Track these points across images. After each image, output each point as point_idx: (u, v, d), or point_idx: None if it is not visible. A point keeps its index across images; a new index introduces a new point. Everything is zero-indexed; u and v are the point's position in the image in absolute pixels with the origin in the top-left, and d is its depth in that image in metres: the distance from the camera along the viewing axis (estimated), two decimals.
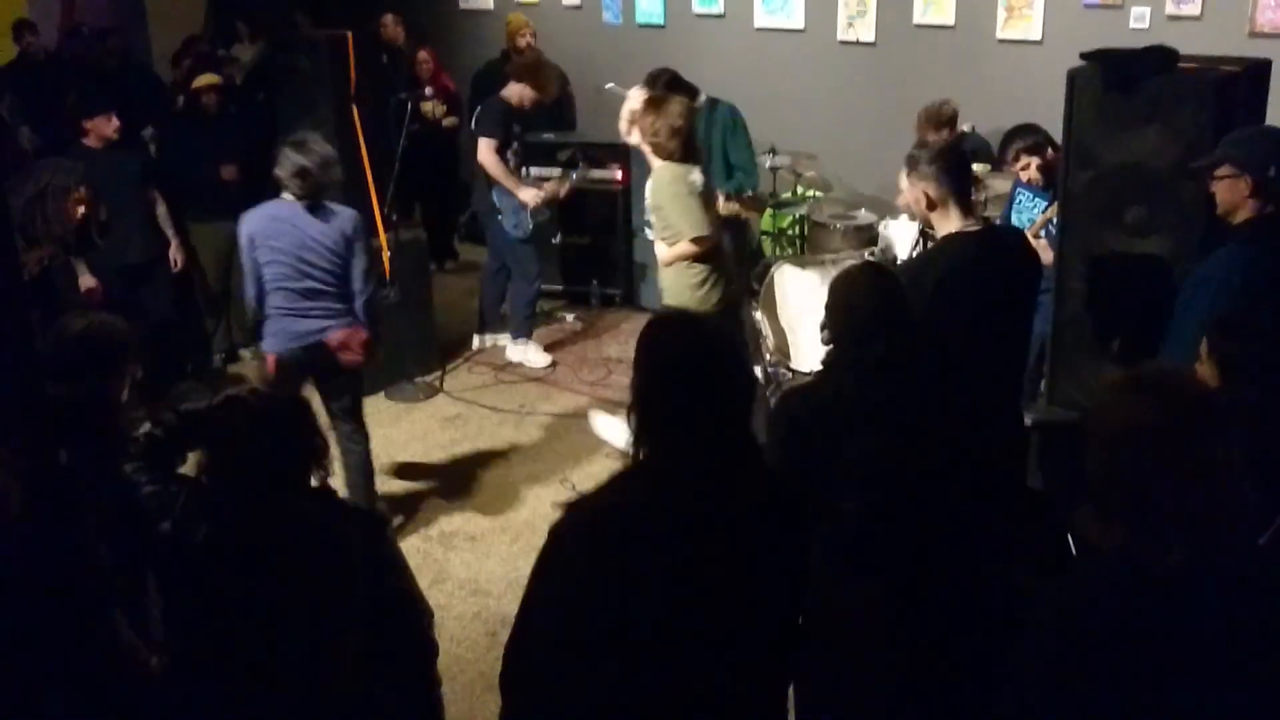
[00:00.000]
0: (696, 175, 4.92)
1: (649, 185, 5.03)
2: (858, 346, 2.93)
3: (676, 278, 4.97)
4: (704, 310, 4.97)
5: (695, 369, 2.12)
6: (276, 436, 2.47)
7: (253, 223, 4.71)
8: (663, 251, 4.99)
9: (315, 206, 4.70)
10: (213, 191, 6.52)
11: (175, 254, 6.35)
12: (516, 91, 6.75)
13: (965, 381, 3.39)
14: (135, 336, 3.44)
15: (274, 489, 2.39)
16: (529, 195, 6.78)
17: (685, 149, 4.89)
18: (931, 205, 3.60)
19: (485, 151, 6.69)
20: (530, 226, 6.88)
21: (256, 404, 2.57)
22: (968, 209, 3.64)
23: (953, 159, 3.68)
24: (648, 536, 2.08)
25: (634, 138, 5.25)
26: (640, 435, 2.14)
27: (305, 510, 2.36)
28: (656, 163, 4.91)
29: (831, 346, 3.06)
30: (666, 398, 2.13)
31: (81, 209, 5.52)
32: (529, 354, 7.00)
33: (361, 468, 4.94)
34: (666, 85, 6.21)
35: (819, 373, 3.14)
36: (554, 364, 6.97)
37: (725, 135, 6.36)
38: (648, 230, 6.67)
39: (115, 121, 6.12)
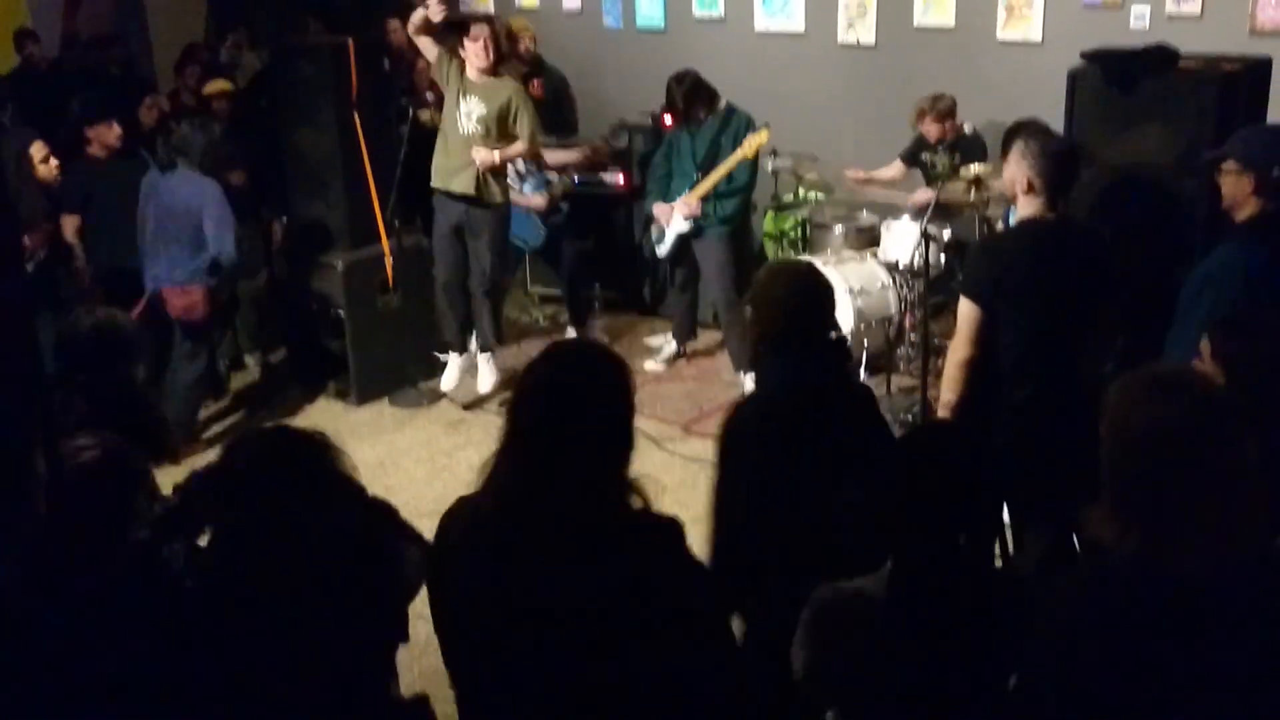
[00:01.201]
0: None
1: None
2: (773, 345, 2.98)
3: None
4: None
5: (563, 396, 2.14)
6: (293, 485, 2.38)
7: None
8: None
9: None
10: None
11: None
12: None
13: (1022, 360, 3.53)
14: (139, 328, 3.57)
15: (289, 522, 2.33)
16: (537, 202, 6.96)
17: None
18: (1028, 189, 3.62)
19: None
20: (542, 234, 6.98)
21: (268, 451, 2.47)
22: (1053, 205, 3.66)
23: (1067, 160, 3.68)
24: (483, 545, 2.14)
25: None
26: (505, 448, 2.17)
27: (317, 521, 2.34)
28: None
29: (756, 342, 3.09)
30: (528, 419, 2.15)
31: (52, 163, 5.56)
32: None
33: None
34: (690, 88, 6.22)
35: (756, 381, 3.18)
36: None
37: (733, 145, 6.31)
38: (659, 247, 6.68)
39: (117, 129, 6.15)
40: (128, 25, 9.83)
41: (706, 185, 6.23)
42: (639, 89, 8.32)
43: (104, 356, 3.29)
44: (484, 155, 5.94)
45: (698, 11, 8.35)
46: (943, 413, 3.71)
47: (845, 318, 6.07)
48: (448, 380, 6.57)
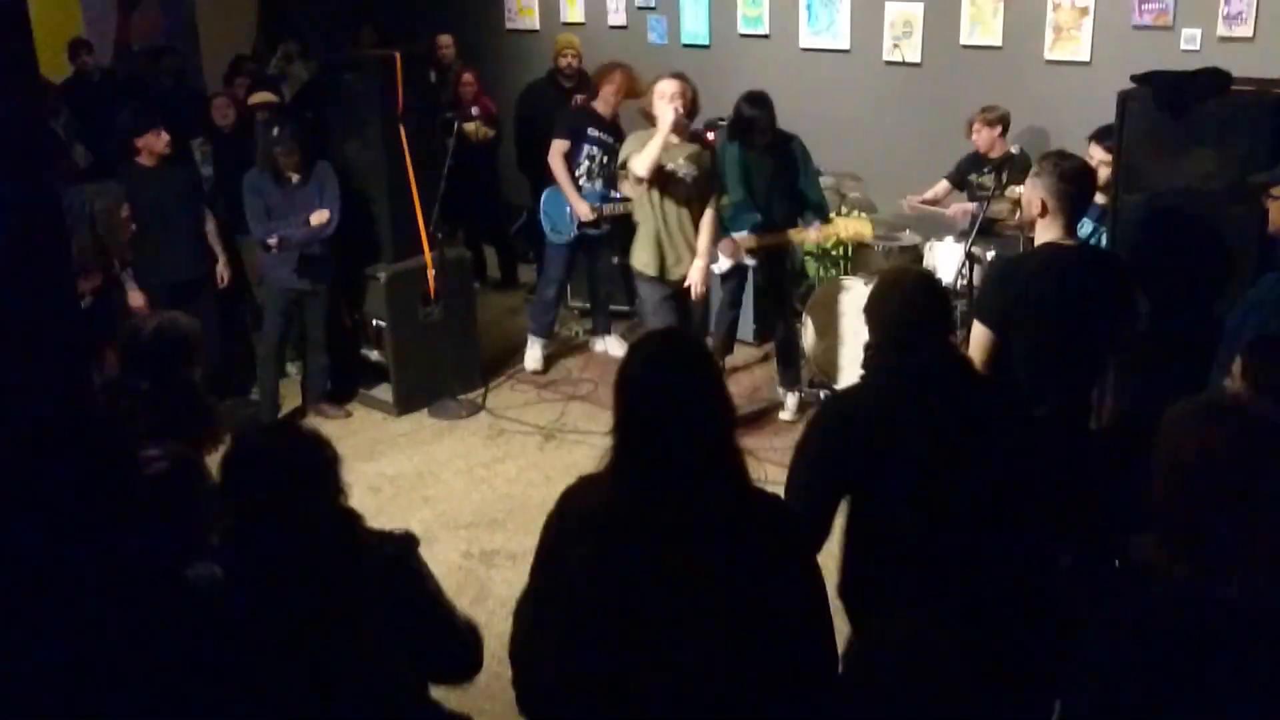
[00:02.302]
0: None
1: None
2: (897, 351, 2.90)
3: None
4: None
5: (663, 377, 2.22)
6: (287, 471, 2.40)
7: None
8: None
9: None
10: None
11: (222, 270, 6.42)
12: (600, 99, 7.07)
13: (1036, 382, 3.49)
14: (199, 329, 3.63)
15: (292, 522, 2.35)
16: (584, 210, 6.89)
17: None
18: (1043, 213, 3.64)
19: (552, 152, 6.95)
20: (570, 235, 6.95)
21: (259, 443, 2.52)
22: (1071, 229, 3.68)
23: (1082, 183, 3.68)
24: (607, 531, 2.18)
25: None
26: (616, 435, 2.23)
27: (323, 539, 2.35)
28: None
29: (871, 350, 3.03)
30: (634, 401, 2.22)
31: (131, 227, 5.65)
32: (531, 352, 7.23)
33: None
34: (772, 112, 6.10)
35: (863, 377, 3.12)
36: (541, 370, 7.18)
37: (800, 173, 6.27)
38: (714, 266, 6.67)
39: (165, 138, 6.21)
40: (179, 36, 9.96)
41: (777, 242, 6.21)
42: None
43: (166, 360, 3.36)
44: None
45: (742, 28, 8.35)
46: None
47: None
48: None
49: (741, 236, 6.13)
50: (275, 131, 6.14)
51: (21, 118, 2.22)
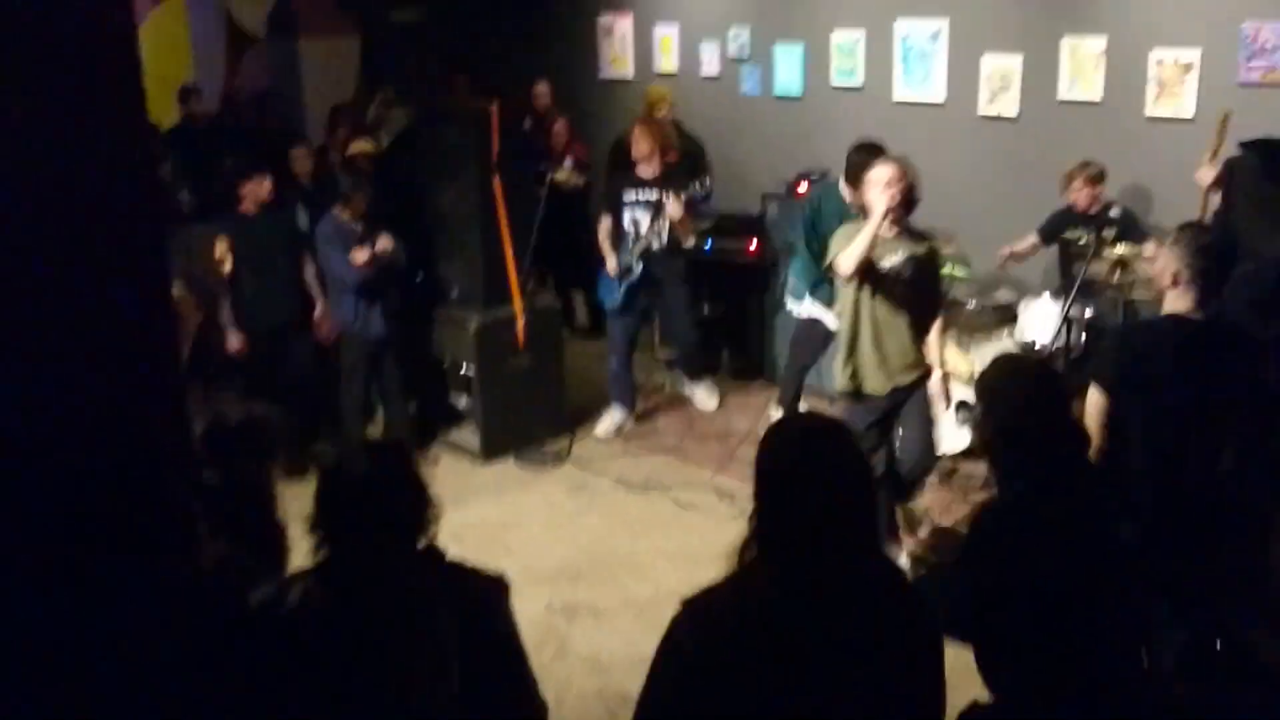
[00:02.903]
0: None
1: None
2: (1020, 449, 2.88)
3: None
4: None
5: (810, 469, 2.14)
6: (383, 490, 2.42)
7: None
8: None
9: None
10: None
11: (320, 315, 6.54)
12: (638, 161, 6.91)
13: (1153, 451, 3.43)
14: (285, 424, 3.62)
15: (378, 551, 2.37)
16: (611, 264, 6.89)
17: None
18: (1174, 283, 3.59)
19: (599, 232, 6.99)
20: (619, 300, 6.92)
21: (357, 467, 2.52)
22: (1202, 303, 3.60)
23: (1219, 259, 3.62)
24: (759, 636, 2.10)
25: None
26: (758, 534, 2.17)
27: (402, 581, 2.35)
28: None
29: (994, 442, 3.01)
30: (781, 505, 2.15)
31: (227, 265, 5.78)
32: (607, 419, 7.15)
33: None
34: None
35: (996, 476, 3.09)
36: (620, 429, 7.10)
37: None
38: (790, 302, 6.64)
39: (268, 185, 6.37)
40: (284, 82, 10.23)
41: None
42: (775, 157, 8.35)
43: (244, 450, 3.32)
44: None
45: (836, 80, 8.31)
46: None
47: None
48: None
49: None
50: (345, 188, 6.31)
51: (131, 162, 2.29)
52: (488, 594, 2.50)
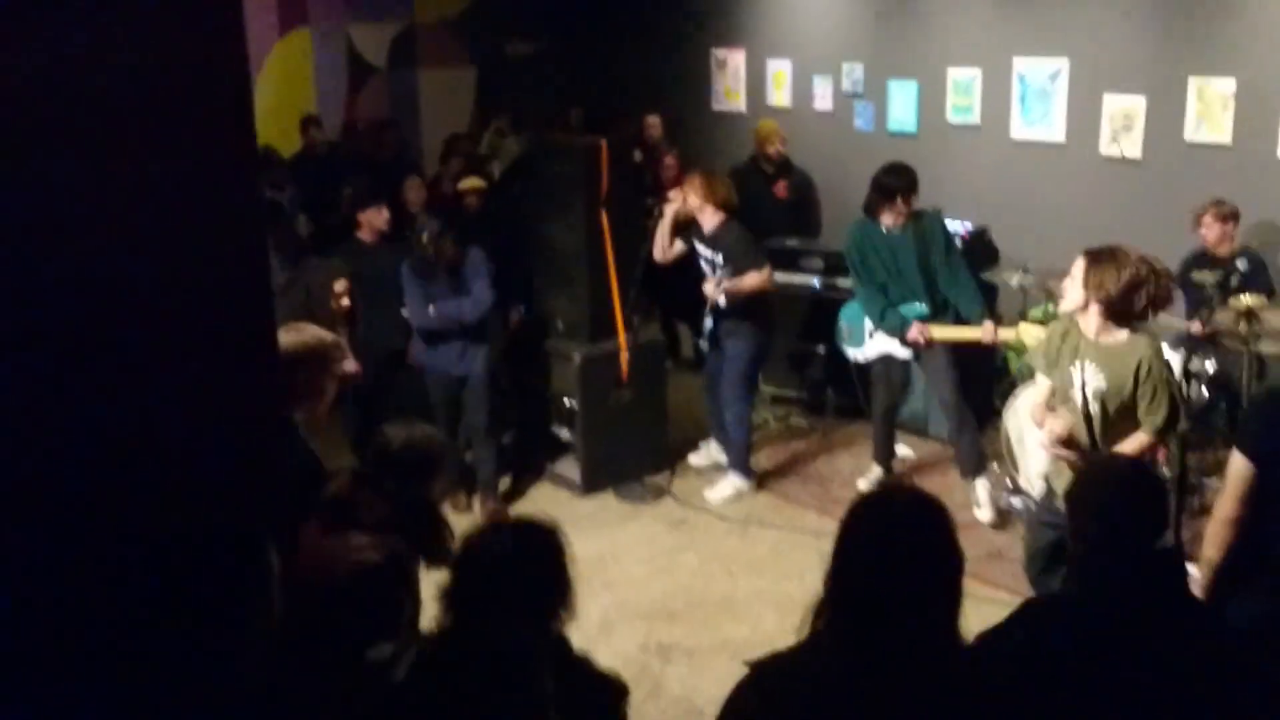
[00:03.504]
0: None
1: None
2: (1106, 553, 2.64)
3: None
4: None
5: (891, 553, 2.06)
6: (520, 571, 2.39)
7: None
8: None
9: None
10: None
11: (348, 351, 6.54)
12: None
13: None
14: (450, 446, 3.69)
15: (503, 634, 2.32)
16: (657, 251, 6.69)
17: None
18: None
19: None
20: (706, 341, 6.74)
21: (513, 531, 2.49)
22: None
23: None
24: (818, 713, 2.04)
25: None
26: (831, 603, 2.10)
27: (520, 671, 2.29)
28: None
29: (1077, 541, 2.76)
30: (859, 576, 2.08)
31: (345, 300, 5.89)
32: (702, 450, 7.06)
33: None
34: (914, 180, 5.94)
35: (1067, 577, 2.91)
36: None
37: (936, 253, 6.05)
38: (846, 349, 6.51)
39: (386, 214, 6.48)
40: (402, 112, 10.46)
41: (954, 337, 6.01)
42: None
43: (410, 474, 3.39)
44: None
45: (952, 117, 8.19)
46: (1203, 570, 3.43)
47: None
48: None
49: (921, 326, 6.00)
50: (425, 229, 6.13)
51: (239, 189, 2.33)
52: (604, 696, 2.44)
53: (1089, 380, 4.08)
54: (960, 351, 6.12)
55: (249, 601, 2.12)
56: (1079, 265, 4.18)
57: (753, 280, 6.28)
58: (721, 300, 6.38)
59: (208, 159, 2.24)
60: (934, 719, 2.03)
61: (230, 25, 2.27)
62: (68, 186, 2.04)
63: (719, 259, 6.35)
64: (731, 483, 6.62)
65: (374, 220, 6.45)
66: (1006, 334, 5.92)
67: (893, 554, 2.06)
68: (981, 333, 5.90)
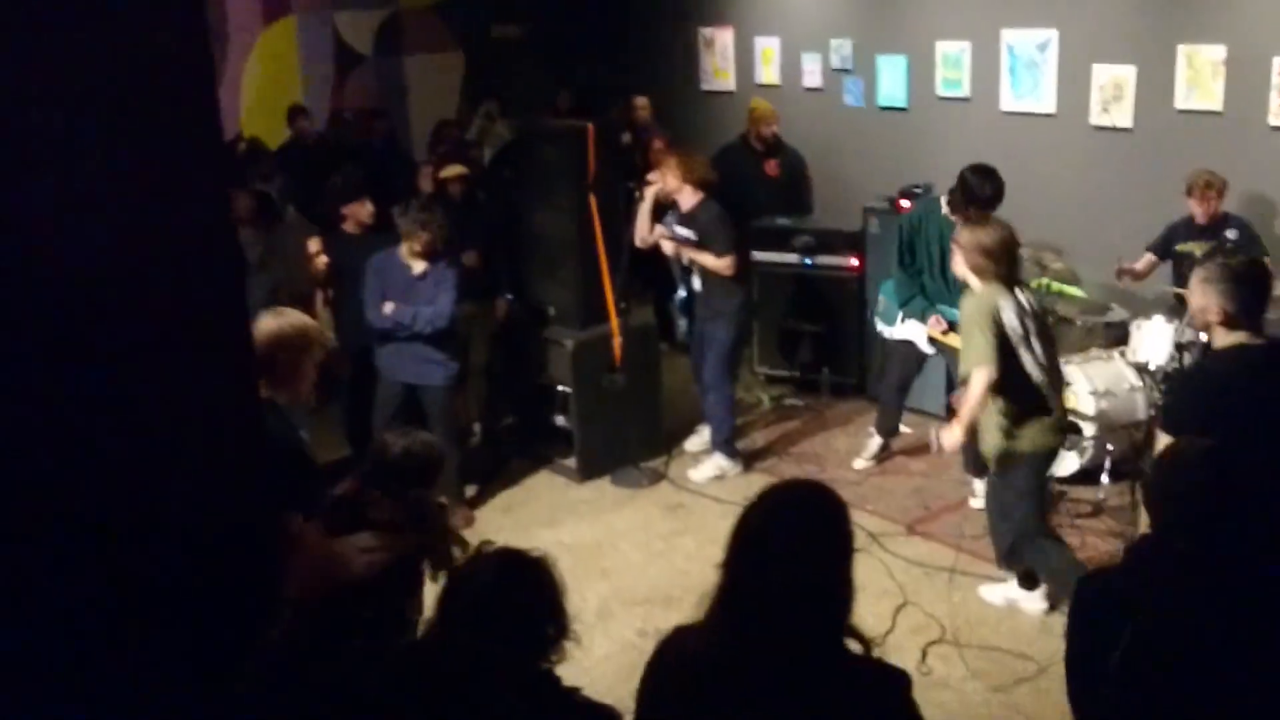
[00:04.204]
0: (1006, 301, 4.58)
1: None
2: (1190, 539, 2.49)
3: (984, 416, 4.65)
4: (1022, 453, 4.66)
5: (776, 543, 2.13)
6: (502, 604, 2.30)
7: None
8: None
9: None
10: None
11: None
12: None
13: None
14: (449, 452, 3.72)
15: (485, 666, 2.25)
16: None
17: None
18: (1224, 319, 3.61)
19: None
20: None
21: (498, 562, 2.41)
22: (1257, 327, 3.65)
23: (1258, 278, 3.67)
24: (692, 693, 2.16)
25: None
26: (722, 588, 2.17)
27: (498, 708, 2.24)
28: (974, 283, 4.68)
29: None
30: (745, 564, 2.15)
31: (322, 258, 5.87)
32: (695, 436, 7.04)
33: None
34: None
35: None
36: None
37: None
38: (878, 322, 6.53)
39: (370, 208, 6.42)
40: (389, 99, 10.40)
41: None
42: (878, 169, 8.20)
43: (409, 481, 3.44)
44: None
45: (942, 90, 8.14)
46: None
47: (1088, 421, 5.72)
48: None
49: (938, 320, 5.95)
50: (406, 210, 5.90)
51: (204, 180, 2.31)
52: None
53: None
54: None
55: (240, 592, 2.13)
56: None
57: (711, 261, 6.29)
58: (669, 250, 6.45)
59: (173, 151, 2.22)
60: (804, 708, 2.07)
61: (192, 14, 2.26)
62: (29, 183, 2.02)
63: (695, 237, 6.36)
64: (716, 463, 6.62)
65: (358, 213, 6.40)
66: None
67: (777, 544, 2.12)
68: None
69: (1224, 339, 3.63)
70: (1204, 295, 3.62)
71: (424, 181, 7.45)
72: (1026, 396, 4.59)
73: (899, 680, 2.17)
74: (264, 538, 2.42)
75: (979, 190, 5.64)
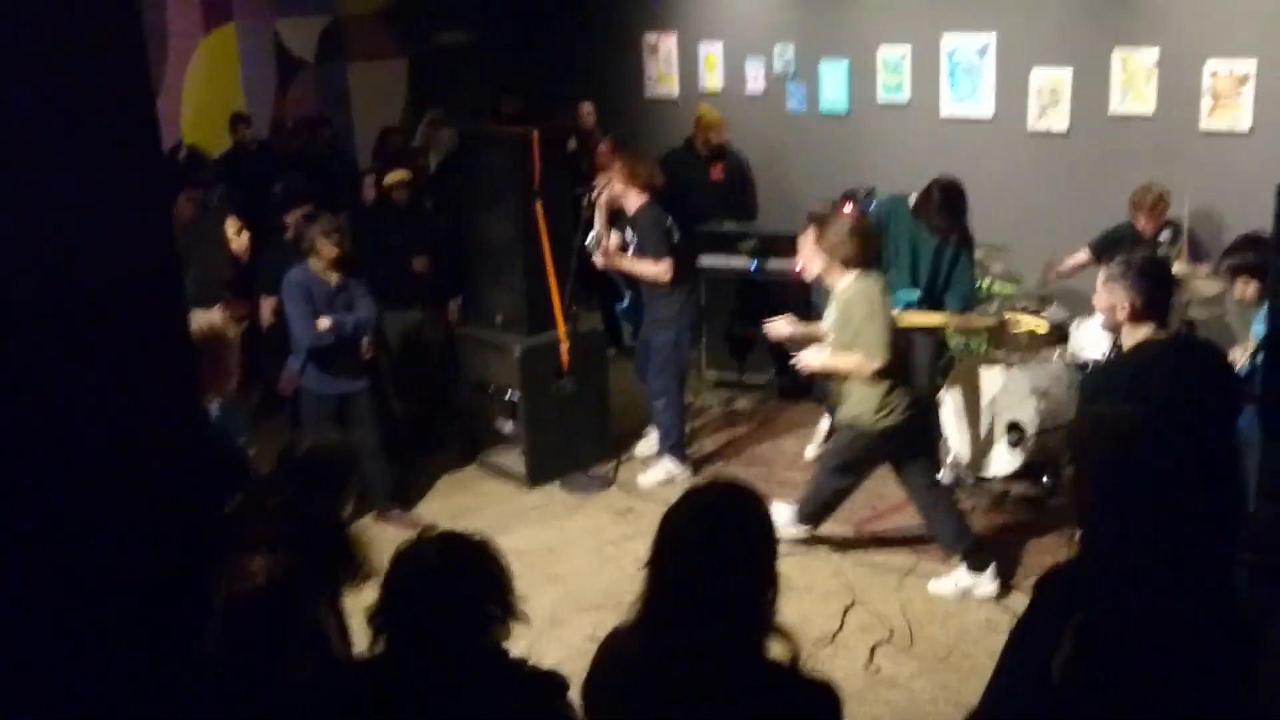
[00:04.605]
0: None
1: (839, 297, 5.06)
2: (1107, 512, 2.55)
3: (859, 392, 5.05)
4: (888, 425, 5.00)
5: (702, 544, 2.16)
6: (457, 583, 2.34)
7: None
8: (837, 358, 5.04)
9: None
10: (402, 281, 6.75)
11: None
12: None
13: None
14: (358, 456, 3.60)
15: (438, 648, 2.28)
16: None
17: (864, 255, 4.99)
18: (1133, 314, 3.71)
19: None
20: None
21: (440, 544, 2.43)
22: (1163, 322, 3.77)
23: (1162, 274, 3.80)
24: (630, 686, 2.20)
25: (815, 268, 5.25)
26: (647, 587, 2.20)
27: (457, 684, 2.28)
28: (845, 277, 5.01)
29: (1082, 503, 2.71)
30: (667, 563, 2.18)
31: (243, 234, 5.85)
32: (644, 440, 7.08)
33: None
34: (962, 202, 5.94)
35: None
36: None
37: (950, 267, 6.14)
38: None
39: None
40: (333, 106, 10.31)
41: (920, 322, 6.03)
42: (821, 174, 8.27)
43: (312, 485, 3.19)
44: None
45: (883, 96, 8.23)
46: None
47: (1029, 420, 5.81)
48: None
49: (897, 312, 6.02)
50: (315, 221, 5.97)
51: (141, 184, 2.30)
52: (543, 696, 2.41)
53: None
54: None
55: (172, 593, 2.11)
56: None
57: (641, 267, 6.37)
58: (600, 263, 6.52)
59: (111, 160, 2.20)
60: (720, 707, 2.09)
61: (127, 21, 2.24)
62: None
63: (636, 240, 6.43)
64: (664, 467, 6.65)
65: (300, 221, 6.36)
66: (980, 321, 6.11)
67: (693, 544, 2.16)
68: (947, 317, 6.01)
69: (1132, 335, 3.72)
70: (1110, 294, 3.72)
71: (367, 190, 7.41)
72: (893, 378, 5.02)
73: (822, 695, 2.17)
74: (198, 538, 2.40)
75: (959, 202, 5.89)
